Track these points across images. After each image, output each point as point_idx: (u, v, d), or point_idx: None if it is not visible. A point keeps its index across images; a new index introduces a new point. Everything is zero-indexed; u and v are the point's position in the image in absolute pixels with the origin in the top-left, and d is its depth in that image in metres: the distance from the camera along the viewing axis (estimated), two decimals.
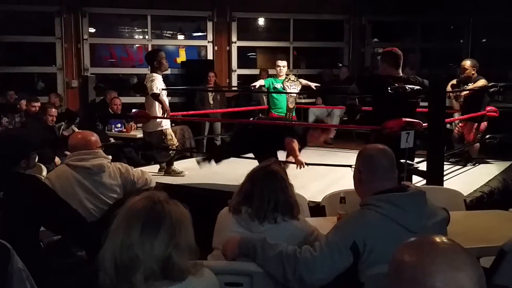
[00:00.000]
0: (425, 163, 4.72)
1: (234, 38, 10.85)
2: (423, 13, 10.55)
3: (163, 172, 5.91)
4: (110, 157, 3.87)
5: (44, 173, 4.62)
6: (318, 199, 3.81)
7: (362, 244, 2.23)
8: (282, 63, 7.70)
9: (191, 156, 7.30)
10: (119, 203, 2.32)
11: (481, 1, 10.09)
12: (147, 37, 10.71)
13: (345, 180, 3.92)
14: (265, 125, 5.70)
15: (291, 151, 5.17)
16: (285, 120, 6.86)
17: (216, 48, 10.79)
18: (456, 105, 6.92)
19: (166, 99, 5.81)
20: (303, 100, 9.59)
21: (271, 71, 9.09)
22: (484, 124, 6.54)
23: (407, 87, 4.67)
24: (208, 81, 9.37)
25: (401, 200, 2.31)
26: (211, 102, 9.12)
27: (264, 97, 8.62)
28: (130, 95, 10.44)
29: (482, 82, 6.44)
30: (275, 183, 2.62)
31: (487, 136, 6.50)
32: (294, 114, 7.76)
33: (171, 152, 5.84)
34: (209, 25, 10.76)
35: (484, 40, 11.24)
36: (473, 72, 6.53)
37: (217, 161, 5.66)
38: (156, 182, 4.15)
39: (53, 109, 7.21)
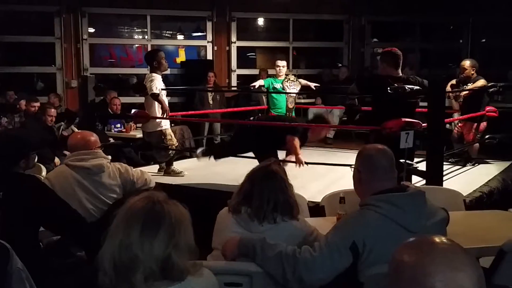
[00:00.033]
0: (424, 163, 4.72)
1: (233, 38, 10.86)
2: (422, 13, 10.56)
3: (162, 172, 5.91)
4: (110, 157, 3.87)
5: (44, 173, 4.62)
6: (318, 199, 3.81)
7: (361, 244, 2.23)
8: (282, 63, 7.70)
9: (190, 156, 7.31)
10: (118, 203, 2.32)
11: (480, 1, 10.09)
12: (146, 37, 10.71)
13: (344, 180, 3.92)
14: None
15: (293, 148, 5.16)
16: (285, 118, 6.84)
17: (215, 48, 10.80)
18: (455, 105, 6.92)
19: (165, 99, 5.81)
20: (302, 100, 9.60)
21: (270, 71, 9.09)
22: (483, 124, 6.54)
23: (406, 87, 4.67)
24: (208, 81, 9.37)
25: (401, 200, 2.31)
26: (211, 102, 9.12)
27: (264, 97, 8.62)
28: (130, 95, 10.45)
29: (481, 82, 6.44)
30: (274, 183, 2.62)
31: (487, 136, 6.50)
32: (293, 114, 7.76)
33: (170, 152, 5.84)
34: (209, 25, 10.76)
35: (484, 40, 11.25)
36: (472, 72, 6.53)
37: (216, 158, 5.66)
38: (156, 182, 4.14)
39: (52, 109, 7.21)
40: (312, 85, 7.93)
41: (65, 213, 2.94)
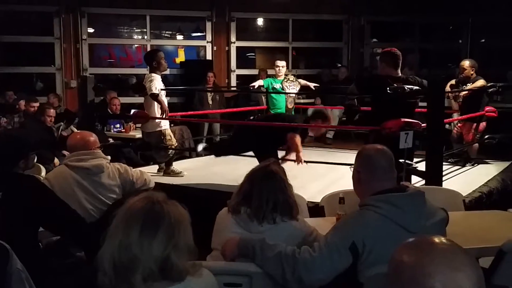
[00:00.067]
0: (424, 163, 4.72)
1: (233, 38, 10.86)
2: (422, 13, 10.56)
3: (162, 173, 5.91)
4: (109, 157, 3.87)
5: (43, 173, 4.61)
6: (317, 199, 3.81)
7: (361, 245, 2.23)
8: (281, 63, 7.70)
9: (190, 157, 7.31)
10: (118, 203, 2.32)
11: (480, 1, 10.10)
12: (146, 37, 10.71)
13: (344, 181, 3.92)
14: (266, 121, 5.71)
15: (294, 146, 5.18)
16: (285, 115, 6.82)
17: (215, 48, 10.80)
18: (455, 105, 6.92)
19: (165, 99, 5.80)
20: (302, 100, 9.59)
21: (270, 71, 9.10)
22: (483, 125, 6.54)
23: (406, 87, 4.67)
24: (207, 81, 9.37)
25: (400, 201, 2.31)
26: (210, 102, 9.12)
27: (263, 97, 8.62)
28: (129, 95, 10.44)
29: (481, 82, 6.44)
30: (274, 184, 2.62)
31: (486, 137, 6.50)
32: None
33: (170, 152, 5.84)
34: (208, 25, 10.76)
35: (483, 40, 11.25)
36: (472, 72, 6.53)
37: (217, 155, 5.67)
38: (155, 183, 4.14)
39: (52, 110, 7.20)
40: (312, 85, 7.93)
41: (65, 214, 2.93)
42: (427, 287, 1.16)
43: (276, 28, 11.61)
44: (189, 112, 8.27)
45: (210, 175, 5.71)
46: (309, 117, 5.80)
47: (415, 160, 4.82)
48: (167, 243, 1.60)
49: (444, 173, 5.03)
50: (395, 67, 4.91)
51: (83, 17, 10.02)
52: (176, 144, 6.12)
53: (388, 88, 4.61)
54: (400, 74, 4.97)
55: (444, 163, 5.10)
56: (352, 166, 2.59)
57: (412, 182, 4.37)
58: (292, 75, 8.12)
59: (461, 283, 1.16)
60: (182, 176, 5.81)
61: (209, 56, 10.82)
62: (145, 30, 10.69)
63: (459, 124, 6.70)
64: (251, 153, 5.33)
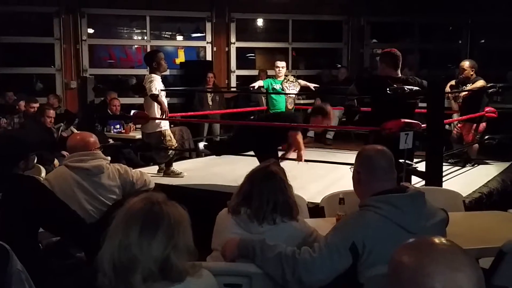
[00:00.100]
0: (424, 163, 4.72)
1: (233, 39, 10.86)
2: (422, 14, 10.56)
3: (162, 173, 5.90)
4: (109, 158, 3.87)
5: (43, 174, 4.61)
6: (317, 200, 3.81)
7: (361, 245, 2.23)
8: (281, 64, 7.70)
9: (190, 157, 7.31)
10: (118, 204, 2.32)
11: (480, 2, 10.10)
12: (146, 38, 10.71)
13: (344, 181, 3.92)
14: (266, 120, 5.71)
15: (296, 143, 5.19)
16: (285, 113, 6.82)
17: (215, 49, 10.80)
18: (455, 106, 6.92)
19: (165, 100, 5.80)
20: (302, 101, 9.60)
21: (270, 72, 9.09)
22: (483, 125, 6.54)
23: (405, 88, 4.67)
24: (207, 82, 9.37)
25: (400, 201, 2.31)
26: (210, 103, 9.12)
27: (263, 98, 8.62)
28: (129, 96, 10.44)
29: (480, 83, 6.44)
30: (274, 184, 2.62)
31: (486, 137, 6.50)
32: None
33: (170, 153, 5.84)
34: (208, 26, 10.76)
35: (483, 41, 11.25)
36: (471, 73, 6.53)
37: (218, 154, 5.67)
38: (155, 183, 4.15)
39: (51, 111, 7.21)
40: (312, 85, 7.93)
41: (65, 214, 2.93)
42: (427, 287, 1.16)
43: (276, 28, 11.61)
44: (189, 113, 8.27)
45: (210, 175, 5.71)
46: (309, 113, 5.77)
47: (415, 160, 4.82)
48: (166, 243, 1.60)
49: (444, 173, 5.03)
50: (395, 67, 4.92)
51: (83, 17, 10.02)
52: (176, 144, 6.12)
53: (388, 89, 4.62)
54: (400, 75, 4.97)
55: (444, 164, 5.10)
56: (352, 166, 2.59)
57: (412, 183, 4.37)
58: (292, 75, 8.13)
59: (461, 284, 1.16)
60: (182, 177, 5.81)
61: (209, 57, 10.82)
62: (145, 30, 10.69)
63: (459, 125, 6.70)
64: (251, 153, 5.33)
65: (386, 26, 11.60)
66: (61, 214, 2.92)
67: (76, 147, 3.71)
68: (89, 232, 2.96)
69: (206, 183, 5.37)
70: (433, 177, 4.58)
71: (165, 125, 5.82)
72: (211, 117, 9.05)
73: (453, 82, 6.78)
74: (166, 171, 5.88)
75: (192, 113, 8.36)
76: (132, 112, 7.40)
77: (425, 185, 4.51)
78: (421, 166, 4.75)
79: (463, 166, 6.41)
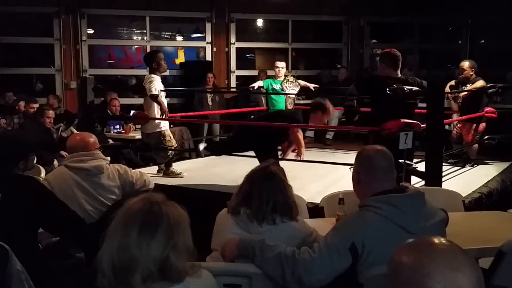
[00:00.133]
0: (423, 164, 4.72)
1: (232, 39, 10.86)
2: (421, 14, 10.56)
3: (161, 174, 5.90)
4: (109, 158, 3.88)
5: (43, 174, 4.61)
6: (317, 200, 3.81)
7: (361, 245, 2.23)
8: (281, 64, 7.71)
9: (190, 158, 7.31)
10: (117, 204, 2.31)
11: (479, 2, 10.10)
12: (145, 38, 10.71)
13: (344, 181, 3.92)
14: (266, 119, 5.73)
15: (296, 140, 5.22)
16: (285, 112, 6.82)
17: (214, 49, 10.81)
18: (454, 106, 6.92)
19: (164, 100, 5.81)
20: (301, 101, 9.58)
21: (269, 72, 9.09)
22: (482, 125, 6.54)
23: (405, 88, 4.67)
24: (207, 82, 9.37)
25: (400, 201, 2.32)
26: (210, 103, 9.12)
27: (263, 98, 8.62)
28: (129, 97, 10.45)
29: (480, 83, 6.44)
30: (274, 184, 2.62)
31: (486, 137, 6.50)
32: None
33: (169, 153, 5.84)
34: (208, 26, 10.76)
35: (483, 41, 11.25)
36: (471, 73, 6.53)
37: (218, 154, 5.68)
38: (155, 184, 4.14)
39: (50, 111, 7.21)
40: (311, 86, 7.94)
41: (64, 215, 2.93)
42: (426, 287, 1.16)
43: (276, 29, 11.61)
44: (189, 113, 8.27)
45: (210, 176, 5.71)
46: (309, 109, 5.76)
47: (415, 160, 4.82)
48: (166, 243, 1.60)
49: (443, 173, 5.03)
50: (394, 68, 4.92)
51: (83, 18, 10.02)
52: (176, 145, 6.12)
53: (387, 89, 4.62)
54: (399, 75, 4.97)
55: (443, 164, 5.10)
56: (352, 167, 2.59)
57: (412, 183, 4.37)
58: (291, 76, 8.13)
59: (460, 284, 1.16)
60: (182, 177, 5.81)
61: (208, 57, 10.82)
62: (144, 31, 10.69)
63: (458, 125, 6.70)
64: (250, 153, 5.33)
65: (386, 26, 11.60)
66: (60, 215, 2.91)
67: (76, 148, 3.71)
68: (89, 232, 2.96)
69: (205, 183, 5.37)
70: (433, 177, 4.58)
71: (164, 125, 5.83)
72: (211, 117, 9.05)
73: (452, 82, 6.79)
74: (166, 171, 5.88)
75: (191, 113, 8.36)
76: (132, 112, 7.39)
77: (425, 185, 4.51)
78: (421, 166, 4.75)
79: (463, 166, 6.41)
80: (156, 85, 5.60)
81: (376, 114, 4.88)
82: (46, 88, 10.34)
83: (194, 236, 1.68)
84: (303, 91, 8.09)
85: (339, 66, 11.02)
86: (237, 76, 11.03)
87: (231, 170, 5.64)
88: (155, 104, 5.68)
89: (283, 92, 7.52)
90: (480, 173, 6.13)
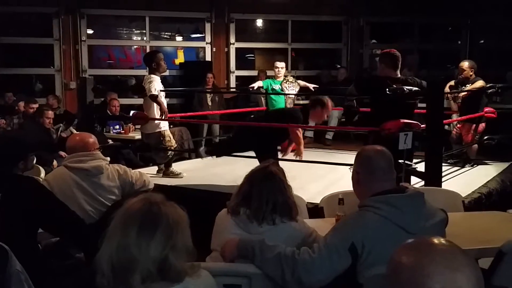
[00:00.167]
0: (423, 164, 4.72)
1: (232, 40, 10.86)
2: (421, 14, 10.56)
3: (161, 174, 5.90)
4: (108, 158, 3.87)
5: (42, 175, 4.61)
6: (317, 200, 3.81)
7: (360, 246, 2.23)
8: (280, 65, 7.71)
9: (189, 158, 7.30)
10: (117, 204, 2.31)
11: (479, 2, 10.11)
12: (145, 38, 10.71)
13: (343, 182, 3.92)
14: (266, 117, 5.74)
15: (296, 138, 5.25)
16: (285, 110, 6.81)
17: (214, 49, 10.81)
18: (454, 106, 6.92)
19: (164, 101, 5.81)
20: (301, 102, 9.57)
21: (269, 73, 9.10)
22: (482, 125, 6.54)
23: (405, 88, 4.67)
24: (207, 83, 9.37)
25: (400, 202, 2.31)
26: (210, 103, 9.12)
27: (263, 98, 8.63)
28: (128, 97, 10.44)
29: (480, 83, 6.44)
30: (273, 184, 2.62)
31: (485, 137, 6.51)
32: None
33: (169, 153, 5.84)
34: (207, 26, 10.76)
35: (482, 41, 11.25)
36: (471, 73, 6.53)
37: (218, 155, 5.69)
38: (155, 184, 4.14)
39: (50, 112, 7.21)
40: (311, 86, 7.94)
41: (64, 215, 2.93)
42: (426, 287, 1.16)
43: (275, 29, 11.61)
44: (189, 113, 8.26)
45: (210, 176, 5.71)
46: (308, 105, 5.74)
47: (415, 161, 4.82)
48: (165, 244, 1.59)
49: (443, 174, 5.03)
50: (394, 68, 4.92)
51: (82, 18, 10.02)
52: (176, 145, 6.12)
53: (387, 89, 4.62)
54: (399, 75, 4.97)
55: (443, 164, 5.10)
56: (352, 167, 2.59)
57: (412, 183, 4.37)
58: (291, 76, 8.14)
59: (460, 284, 1.16)
60: (182, 177, 5.81)
61: (208, 57, 10.82)
62: (144, 31, 10.69)
63: (458, 125, 6.70)
64: (250, 153, 5.34)
65: (385, 27, 11.60)
66: (60, 215, 2.91)
67: (76, 148, 3.71)
68: (89, 232, 2.96)
69: (205, 183, 5.37)
70: (433, 177, 4.58)
71: (164, 125, 5.83)
72: (211, 118, 9.05)
73: (452, 83, 6.79)
74: (166, 172, 5.88)
75: (191, 113, 8.36)
76: (132, 112, 7.40)
77: (425, 185, 4.51)
78: (421, 167, 4.75)
79: (463, 167, 6.41)
80: (156, 85, 5.60)
81: (375, 114, 4.88)
82: (45, 89, 10.34)
83: (193, 236, 1.68)
84: (303, 91, 8.09)
85: (339, 66, 11.03)
86: (236, 76, 11.03)
87: (231, 170, 5.64)
88: (155, 105, 5.68)
89: (283, 92, 7.52)
90: (480, 173, 6.13)
